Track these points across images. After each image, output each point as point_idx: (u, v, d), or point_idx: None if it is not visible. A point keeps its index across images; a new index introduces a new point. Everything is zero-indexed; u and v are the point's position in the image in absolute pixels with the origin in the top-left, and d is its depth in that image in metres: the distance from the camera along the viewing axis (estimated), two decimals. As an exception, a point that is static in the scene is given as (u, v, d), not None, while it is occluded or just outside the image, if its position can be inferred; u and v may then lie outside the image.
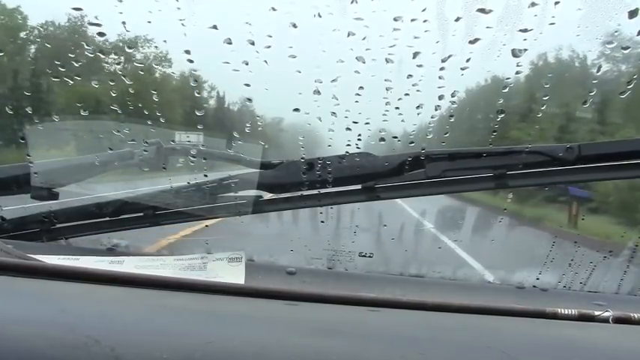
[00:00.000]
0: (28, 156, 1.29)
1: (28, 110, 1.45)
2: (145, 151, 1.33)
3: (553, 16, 1.13)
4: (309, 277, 1.12)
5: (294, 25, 1.22)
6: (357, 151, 1.29)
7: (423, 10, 1.17)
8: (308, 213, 1.39)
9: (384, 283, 1.15)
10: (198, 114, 1.55)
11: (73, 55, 1.48)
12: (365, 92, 1.26)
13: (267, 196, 1.33)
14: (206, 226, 1.39)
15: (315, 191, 1.27)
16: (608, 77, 1.24)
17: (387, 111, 1.29)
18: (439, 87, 1.23)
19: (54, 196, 1.32)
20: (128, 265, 0.99)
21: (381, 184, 1.28)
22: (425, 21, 1.18)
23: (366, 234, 1.45)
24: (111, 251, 1.22)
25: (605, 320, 0.79)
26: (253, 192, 1.31)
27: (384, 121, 1.39)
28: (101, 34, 1.28)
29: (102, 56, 1.38)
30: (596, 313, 0.80)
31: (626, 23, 1.16)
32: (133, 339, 0.59)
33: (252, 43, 1.21)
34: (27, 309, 0.66)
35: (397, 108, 1.28)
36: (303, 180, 1.25)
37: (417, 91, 1.25)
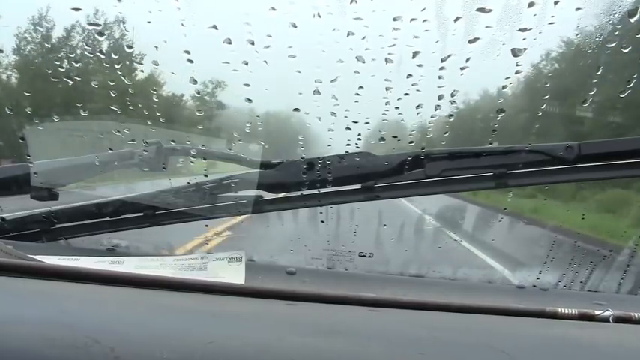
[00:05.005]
0: (28, 156, 1.29)
1: (28, 110, 1.45)
2: (145, 151, 1.33)
3: (552, 16, 1.14)
4: (309, 277, 1.12)
5: (294, 25, 1.22)
6: (357, 150, 1.29)
7: (423, 9, 1.17)
8: (308, 213, 1.39)
9: (384, 283, 1.15)
10: (198, 114, 1.55)
11: (72, 55, 1.48)
12: (365, 92, 1.26)
13: (267, 196, 1.33)
14: (206, 225, 1.39)
15: (315, 191, 1.27)
16: (607, 77, 1.23)
17: (387, 111, 1.29)
18: (439, 87, 1.23)
19: (54, 197, 1.32)
20: (128, 265, 0.99)
21: (380, 183, 1.28)
22: (424, 21, 1.18)
23: (367, 233, 1.45)
24: (111, 251, 1.22)
25: (606, 319, 0.79)
26: (253, 192, 1.31)
27: (384, 120, 1.39)
28: (101, 34, 1.28)
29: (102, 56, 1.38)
30: (597, 312, 0.80)
31: (626, 22, 1.16)
32: (133, 339, 0.59)
33: (252, 43, 1.21)
34: (27, 309, 0.66)
35: (397, 108, 1.29)
36: (303, 180, 1.25)
37: (417, 90, 1.25)
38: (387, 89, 1.26)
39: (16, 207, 1.37)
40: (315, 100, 1.26)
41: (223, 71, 1.25)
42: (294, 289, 0.81)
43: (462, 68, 1.20)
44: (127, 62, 1.37)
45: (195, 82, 1.30)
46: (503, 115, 1.28)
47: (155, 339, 0.59)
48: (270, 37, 1.22)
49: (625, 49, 1.19)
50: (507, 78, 1.30)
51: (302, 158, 1.29)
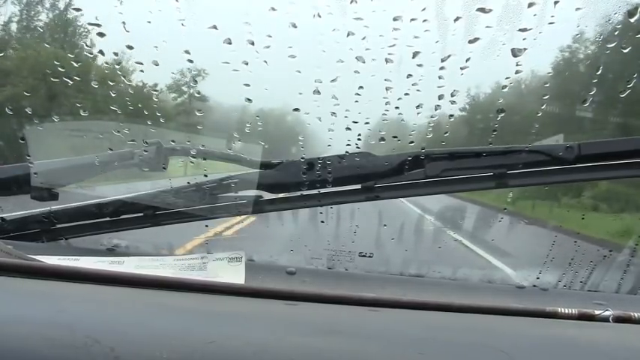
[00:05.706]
0: (28, 156, 1.29)
1: (28, 110, 1.45)
2: (145, 151, 1.33)
3: (552, 16, 1.14)
4: (309, 277, 1.12)
5: (294, 25, 1.22)
6: (357, 150, 1.29)
7: (423, 9, 1.17)
8: (308, 213, 1.39)
9: (384, 283, 1.15)
10: (197, 114, 1.55)
11: (72, 55, 1.47)
12: (365, 92, 1.26)
13: (267, 196, 1.33)
14: (206, 226, 1.39)
15: (315, 191, 1.27)
16: (607, 77, 1.24)
17: (387, 111, 1.29)
18: (439, 87, 1.23)
19: (54, 197, 1.32)
20: (128, 266, 0.99)
21: (380, 183, 1.28)
22: (424, 21, 1.18)
23: (367, 233, 1.45)
24: (111, 251, 1.22)
25: (606, 319, 0.79)
26: (253, 192, 1.31)
27: (384, 120, 1.39)
28: (101, 34, 1.28)
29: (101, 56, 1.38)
30: (597, 312, 0.80)
31: (626, 22, 1.16)
32: (133, 339, 0.59)
33: (252, 43, 1.21)
34: (27, 309, 0.66)
35: (397, 108, 1.28)
36: (303, 180, 1.25)
37: (417, 90, 1.25)
38: (387, 89, 1.26)
39: (16, 207, 1.37)
40: (315, 100, 1.26)
41: (223, 71, 1.25)
42: (293, 289, 0.81)
43: (462, 68, 1.20)
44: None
45: (195, 82, 1.30)
46: (503, 115, 1.28)
47: (155, 339, 0.59)
48: (270, 37, 1.22)
49: (625, 49, 1.19)
50: (507, 78, 1.30)
51: (302, 158, 1.29)
